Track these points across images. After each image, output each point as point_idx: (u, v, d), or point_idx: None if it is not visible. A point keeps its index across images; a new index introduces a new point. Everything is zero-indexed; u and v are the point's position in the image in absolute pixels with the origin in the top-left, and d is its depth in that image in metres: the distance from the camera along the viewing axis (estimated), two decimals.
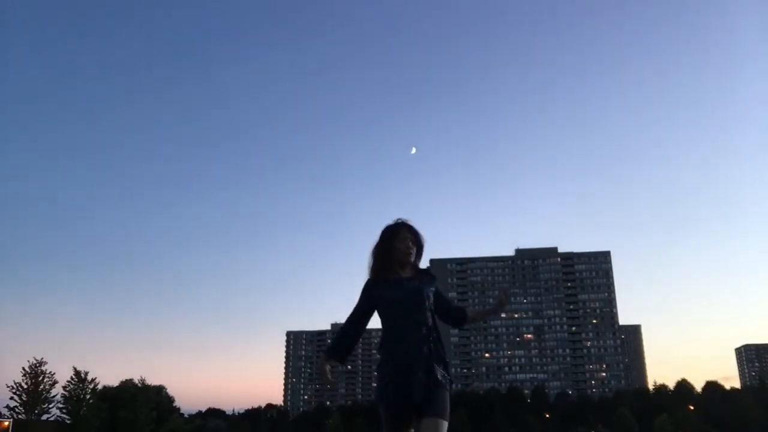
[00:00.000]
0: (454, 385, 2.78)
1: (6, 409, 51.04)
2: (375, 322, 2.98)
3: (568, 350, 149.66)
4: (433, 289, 2.95)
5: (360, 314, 2.97)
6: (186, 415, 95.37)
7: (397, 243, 2.96)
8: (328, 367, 2.96)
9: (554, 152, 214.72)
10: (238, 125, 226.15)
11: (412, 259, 2.97)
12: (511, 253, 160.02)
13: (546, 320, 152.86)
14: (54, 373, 53.51)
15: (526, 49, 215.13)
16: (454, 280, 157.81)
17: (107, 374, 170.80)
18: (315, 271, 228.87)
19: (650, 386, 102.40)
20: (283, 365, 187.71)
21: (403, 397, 2.74)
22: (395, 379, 2.76)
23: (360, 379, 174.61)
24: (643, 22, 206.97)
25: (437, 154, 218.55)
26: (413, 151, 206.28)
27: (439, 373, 2.81)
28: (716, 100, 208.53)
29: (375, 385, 2.95)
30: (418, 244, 3.01)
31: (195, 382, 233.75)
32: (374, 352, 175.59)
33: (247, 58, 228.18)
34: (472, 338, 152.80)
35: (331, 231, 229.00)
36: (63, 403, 53.59)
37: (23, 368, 52.10)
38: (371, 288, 2.95)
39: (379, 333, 2.90)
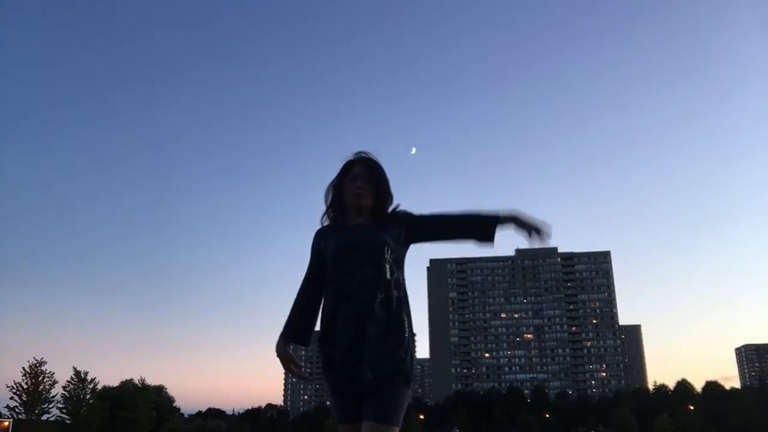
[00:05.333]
0: (414, 376, 1.99)
1: (6, 409, 51.11)
2: None
3: (568, 350, 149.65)
4: (396, 232, 2.15)
5: (312, 276, 2.23)
6: (186, 415, 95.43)
7: (346, 183, 2.23)
8: (290, 349, 2.23)
9: (554, 152, 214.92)
10: (236, 126, 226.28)
11: (367, 201, 2.20)
12: (511, 253, 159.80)
13: (546, 320, 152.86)
14: (54, 373, 53.62)
15: (527, 48, 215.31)
16: (454, 280, 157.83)
17: (107, 374, 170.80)
18: None
19: (650, 386, 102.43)
20: None
21: (347, 379, 2.03)
22: (337, 355, 2.04)
23: None
24: (644, 22, 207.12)
25: (437, 154, 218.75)
26: (413, 151, 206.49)
27: (393, 352, 2.01)
28: (717, 101, 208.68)
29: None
30: (376, 183, 2.22)
31: (195, 382, 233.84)
32: None
33: (249, 48, 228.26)
34: (472, 338, 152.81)
35: None
36: (63, 403, 53.63)
37: (23, 368, 52.20)
38: (318, 238, 2.26)
39: None
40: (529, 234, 2.12)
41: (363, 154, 2.28)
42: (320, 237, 2.24)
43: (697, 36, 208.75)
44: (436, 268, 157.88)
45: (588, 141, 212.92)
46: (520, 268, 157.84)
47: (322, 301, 2.15)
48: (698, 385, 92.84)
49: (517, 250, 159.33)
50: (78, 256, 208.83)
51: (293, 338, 2.20)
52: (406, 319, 2.07)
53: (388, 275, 2.07)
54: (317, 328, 2.13)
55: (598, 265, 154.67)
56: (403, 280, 2.15)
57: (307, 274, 2.25)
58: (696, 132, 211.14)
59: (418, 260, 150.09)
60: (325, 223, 2.30)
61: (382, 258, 2.07)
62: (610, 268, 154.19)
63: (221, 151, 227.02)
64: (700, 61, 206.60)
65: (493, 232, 2.15)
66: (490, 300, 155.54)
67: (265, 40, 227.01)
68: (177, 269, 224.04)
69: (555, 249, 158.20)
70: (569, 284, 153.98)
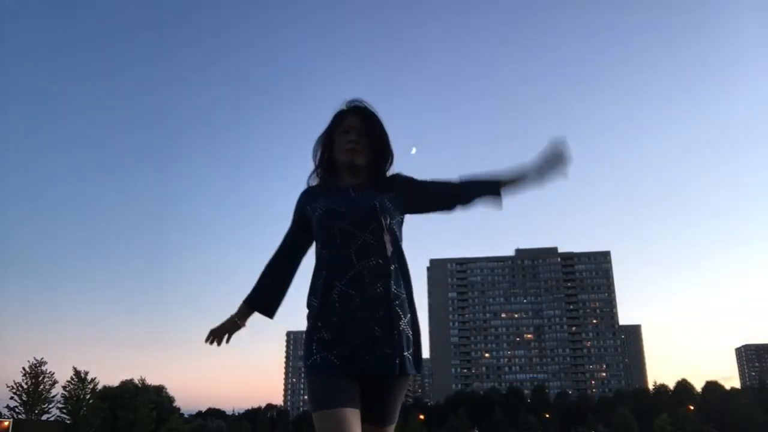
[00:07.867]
0: (422, 369, 1.82)
1: (6, 409, 51.14)
2: None
3: (568, 350, 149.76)
4: (394, 195, 1.81)
5: (290, 240, 1.90)
6: (186, 415, 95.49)
7: (337, 137, 1.86)
8: (245, 322, 1.89)
9: None
10: (235, 121, 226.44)
11: (361, 159, 1.83)
12: (511, 253, 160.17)
13: (546, 320, 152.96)
14: (54, 373, 53.68)
15: (527, 47, 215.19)
16: (454, 280, 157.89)
17: (107, 374, 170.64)
18: None
19: (650, 386, 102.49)
20: (283, 365, 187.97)
21: (344, 365, 1.64)
22: (332, 336, 1.67)
23: None
24: (642, 19, 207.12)
25: (436, 154, 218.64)
26: (413, 151, 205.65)
27: (405, 338, 1.69)
28: (718, 100, 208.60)
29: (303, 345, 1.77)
30: (373, 138, 1.85)
31: (195, 382, 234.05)
32: None
33: (260, 20, 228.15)
34: (472, 338, 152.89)
35: None
36: (63, 403, 53.67)
37: (23, 368, 52.20)
38: (304, 199, 1.90)
39: None
40: (550, 167, 1.87)
41: (357, 103, 1.88)
42: (307, 198, 1.87)
43: (693, 33, 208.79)
44: (436, 268, 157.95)
45: (588, 141, 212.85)
46: (520, 268, 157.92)
47: (313, 273, 1.79)
48: (698, 385, 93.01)
49: (517, 250, 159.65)
50: (78, 255, 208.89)
51: (258, 305, 1.89)
52: (411, 294, 1.77)
53: (390, 249, 1.72)
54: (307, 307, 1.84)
55: (598, 265, 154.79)
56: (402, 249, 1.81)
57: (285, 237, 1.92)
58: (697, 131, 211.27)
59: (418, 260, 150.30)
60: (313, 184, 1.92)
61: (382, 223, 1.72)
62: (610, 268, 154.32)
63: (223, 150, 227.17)
64: (702, 59, 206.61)
65: (500, 190, 1.87)
66: (490, 300, 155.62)
67: (292, 33, 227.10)
68: (177, 269, 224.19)
69: (555, 249, 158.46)
70: (569, 284, 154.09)
